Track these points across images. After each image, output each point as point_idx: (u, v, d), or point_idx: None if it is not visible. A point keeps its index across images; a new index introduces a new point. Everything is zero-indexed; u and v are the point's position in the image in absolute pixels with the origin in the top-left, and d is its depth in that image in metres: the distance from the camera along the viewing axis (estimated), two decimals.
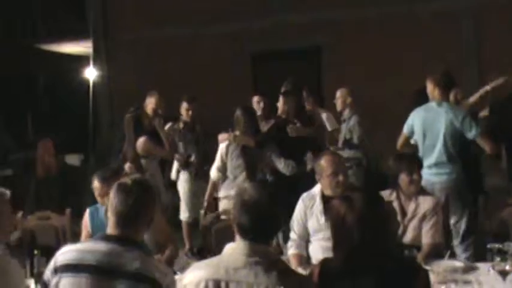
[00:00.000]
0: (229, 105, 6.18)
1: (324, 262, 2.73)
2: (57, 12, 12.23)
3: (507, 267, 3.24)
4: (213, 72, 9.76)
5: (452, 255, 4.15)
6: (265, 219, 2.56)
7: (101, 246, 2.77)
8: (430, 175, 5.25)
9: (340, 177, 4.03)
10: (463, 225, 5.24)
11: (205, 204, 5.89)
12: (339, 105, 7.16)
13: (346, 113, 7.07)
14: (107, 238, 2.81)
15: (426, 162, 5.25)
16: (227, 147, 5.81)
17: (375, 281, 2.52)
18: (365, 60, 9.38)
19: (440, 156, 5.31)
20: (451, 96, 6.18)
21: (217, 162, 5.86)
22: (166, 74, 9.83)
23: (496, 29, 9.13)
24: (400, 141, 5.57)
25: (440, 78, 5.49)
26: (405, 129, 5.54)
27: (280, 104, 6.37)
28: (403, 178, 4.15)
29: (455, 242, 5.20)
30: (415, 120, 5.46)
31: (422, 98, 5.95)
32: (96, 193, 4.47)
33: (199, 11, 9.94)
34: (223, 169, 5.81)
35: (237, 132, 5.84)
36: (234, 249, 2.58)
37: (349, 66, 9.29)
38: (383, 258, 2.57)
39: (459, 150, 5.33)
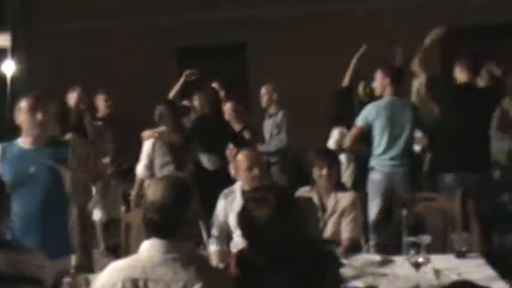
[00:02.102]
0: (154, 101, 6.12)
1: (239, 254, 2.73)
2: None
3: (420, 260, 3.35)
4: (137, 66, 9.61)
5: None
6: (173, 217, 2.53)
7: None
8: (391, 167, 5.47)
9: (256, 171, 4.06)
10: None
11: (131, 201, 5.82)
12: (264, 101, 7.20)
13: (272, 108, 7.12)
14: None
15: (390, 154, 5.46)
16: (153, 144, 5.74)
17: (290, 273, 2.54)
18: (290, 57, 9.45)
19: (404, 148, 5.48)
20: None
21: (144, 160, 5.78)
22: (88, 68, 9.61)
23: (430, 28, 9.34)
24: (354, 134, 5.58)
25: (394, 72, 5.62)
26: (361, 122, 5.53)
27: (197, 99, 6.40)
28: (315, 172, 4.23)
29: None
30: (378, 114, 5.50)
31: (344, 96, 6.09)
32: None
33: (123, 4, 9.77)
34: (150, 166, 5.74)
35: (162, 128, 5.79)
36: (151, 247, 2.54)
37: (275, 63, 9.34)
38: (295, 254, 2.59)
39: None
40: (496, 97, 5.74)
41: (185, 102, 6.98)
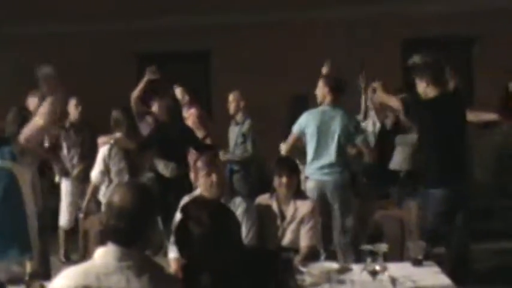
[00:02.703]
0: (113, 107, 6.07)
1: (184, 265, 2.73)
2: None
3: (377, 268, 3.39)
4: (98, 72, 9.52)
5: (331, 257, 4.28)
6: (135, 223, 2.51)
7: None
8: (322, 175, 5.56)
9: (214, 178, 4.04)
10: (350, 223, 5.50)
11: (84, 207, 5.78)
12: (232, 108, 7.15)
13: (239, 116, 7.11)
14: None
15: (319, 163, 5.55)
16: (109, 150, 5.71)
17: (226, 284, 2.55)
18: (253, 65, 9.48)
19: (334, 157, 5.54)
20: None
21: (99, 166, 5.74)
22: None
23: (378, 39, 9.52)
24: (290, 142, 5.68)
25: (334, 81, 5.69)
26: (295, 131, 5.68)
27: (156, 106, 6.39)
28: (275, 180, 4.26)
29: (342, 239, 5.47)
30: (309, 122, 5.60)
31: (300, 104, 6.15)
32: None
33: (85, 8, 9.67)
34: (106, 172, 5.71)
35: (118, 135, 5.76)
36: (105, 254, 2.51)
37: (238, 70, 9.36)
38: (230, 264, 2.59)
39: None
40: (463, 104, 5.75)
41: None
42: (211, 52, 9.94)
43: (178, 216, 4.22)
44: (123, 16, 9.60)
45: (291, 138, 5.72)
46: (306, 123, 5.63)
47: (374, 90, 6.03)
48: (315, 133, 5.57)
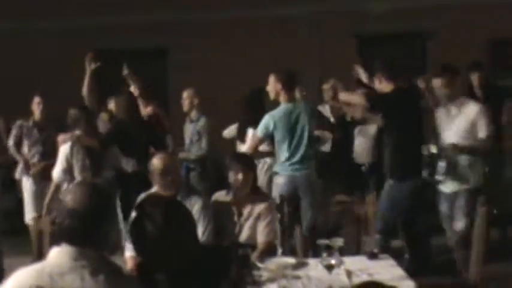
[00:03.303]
0: (72, 105, 5.99)
1: (140, 263, 2.72)
2: None
3: (333, 262, 3.41)
4: (56, 69, 9.38)
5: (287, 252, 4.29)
6: (88, 222, 2.48)
7: None
8: (294, 171, 5.52)
9: (170, 177, 4.04)
10: (319, 216, 5.51)
11: (45, 207, 5.69)
12: (186, 106, 7.13)
13: (194, 114, 7.08)
14: None
15: (291, 161, 5.52)
16: (71, 148, 5.63)
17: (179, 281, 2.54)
18: (211, 62, 9.46)
19: (305, 153, 5.53)
20: (297, 94, 6.48)
21: (61, 164, 5.66)
22: (6, 70, 9.32)
23: (335, 35, 9.60)
24: (254, 145, 5.61)
25: (286, 76, 5.65)
26: (261, 133, 5.55)
27: (113, 103, 6.32)
28: (230, 176, 4.26)
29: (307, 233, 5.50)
30: (278, 125, 5.52)
31: (253, 101, 6.14)
32: None
33: (46, 5, 9.52)
34: (69, 171, 5.62)
35: (78, 133, 5.69)
36: (59, 254, 2.47)
37: (195, 68, 9.33)
38: (185, 261, 2.59)
39: None
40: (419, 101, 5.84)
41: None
42: (168, 49, 9.87)
43: (133, 213, 4.22)
44: (81, 13, 9.48)
45: (256, 141, 5.62)
46: (274, 126, 5.52)
47: (334, 89, 6.14)
48: (286, 135, 5.52)
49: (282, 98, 5.60)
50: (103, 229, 2.54)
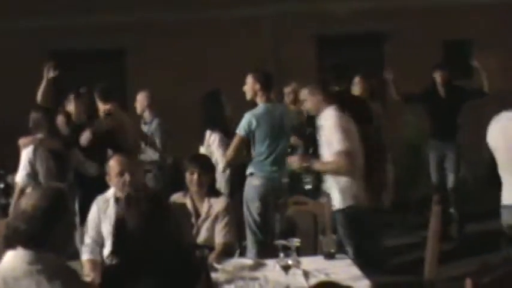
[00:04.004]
0: (28, 106, 5.89)
1: (106, 268, 2.70)
2: None
3: (290, 262, 3.44)
4: (11, 69, 9.22)
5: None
6: (42, 226, 2.46)
7: None
8: (272, 172, 5.52)
9: (127, 177, 4.02)
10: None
11: (11, 210, 5.58)
12: (138, 108, 7.11)
13: (147, 116, 7.05)
14: None
15: (270, 160, 5.52)
16: (34, 151, 5.52)
17: (156, 282, 2.53)
18: (170, 63, 9.42)
19: (283, 154, 5.54)
20: (291, 96, 6.50)
21: (25, 169, 5.52)
22: None
23: (294, 36, 9.66)
24: (236, 146, 5.53)
25: (265, 77, 5.63)
26: (243, 133, 5.49)
27: (72, 106, 6.24)
28: (187, 177, 4.25)
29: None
30: (259, 123, 5.49)
31: (212, 101, 6.13)
32: None
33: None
34: (33, 175, 5.52)
35: (40, 135, 5.59)
36: (14, 258, 2.45)
37: (154, 69, 9.27)
38: (164, 260, 2.58)
39: None
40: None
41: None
42: (126, 50, 9.79)
43: (92, 215, 4.19)
44: (38, 13, 9.34)
45: (238, 142, 5.52)
46: (256, 124, 5.48)
47: (295, 93, 6.18)
48: (268, 133, 5.50)
49: (260, 98, 5.58)
50: (58, 232, 2.52)
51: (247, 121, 5.50)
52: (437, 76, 7.19)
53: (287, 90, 7.30)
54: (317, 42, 9.91)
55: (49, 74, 6.26)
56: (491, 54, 9.34)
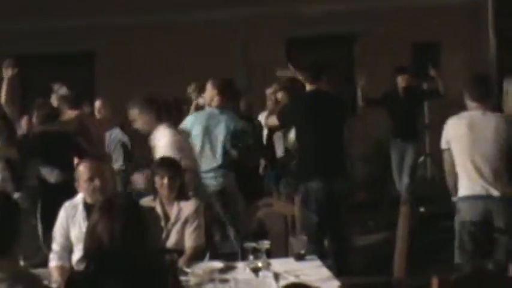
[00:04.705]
0: None
1: (71, 274, 2.67)
2: None
3: (259, 264, 3.44)
4: None
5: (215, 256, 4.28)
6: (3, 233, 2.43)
7: None
8: (207, 179, 5.48)
9: (97, 182, 3.98)
10: (237, 222, 5.56)
11: None
12: (97, 115, 7.13)
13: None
14: None
15: (204, 166, 5.49)
16: None
17: (122, 286, 2.51)
18: (139, 67, 9.37)
19: (219, 161, 5.52)
20: (242, 103, 6.51)
21: None
22: None
23: (265, 38, 9.68)
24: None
25: (222, 83, 5.66)
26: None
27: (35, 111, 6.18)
28: (157, 181, 4.23)
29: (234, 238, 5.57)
30: (195, 124, 5.55)
31: (184, 105, 6.13)
32: None
33: None
34: None
35: None
36: None
37: (122, 73, 9.23)
38: (133, 264, 2.56)
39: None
40: (341, 103, 5.91)
41: None
42: (95, 54, 9.72)
43: (60, 221, 4.13)
44: (4, 16, 9.22)
45: None
46: (192, 124, 5.57)
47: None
48: (199, 135, 5.53)
49: (214, 102, 5.62)
50: (14, 239, 2.49)
51: (186, 121, 5.64)
52: (400, 79, 7.33)
53: (269, 91, 7.29)
54: (287, 44, 9.94)
55: (8, 72, 6.12)
56: (458, 55, 9.50)
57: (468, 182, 4.43)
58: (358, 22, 9.74)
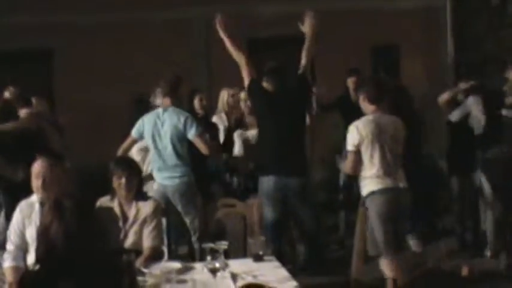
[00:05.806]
0: None
1: (25, 274, 2.64)
2: None
3: (217, 265, 3.44)
4: None
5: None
6: None
7: None
8: (162, 179, 5.50)
9: (41, 180, 3.91)
10: (196, 223, 5.51)
11: None
12: None
13: None
14: None
15: (158, 167, 5.50)
16: None
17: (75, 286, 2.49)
18: (96, 65, 9.27)
19: (171, 160, 5.48)
20: (196, 102, 6.48)
21: None
22: None
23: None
24: (126, 144, 5.60)
25: (167, 83, 5.64)
26: (134, 134, 5.60)
27: None
28: (114, 181, 4.19)
29: (193, 238, 5.55)
30: (145, 125, 5.56)
31: (142, 106, 6.10)
32: None
33: None
34: None
35: None
36: None
37: (81, 71, 9.11)
38: (86, 265, 2.55)
39: (188, 152, 5.56)
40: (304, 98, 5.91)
41: None
42: (53, 51, 9.57)
43: (16, 220, 4.06)
44: None
45: (128, 141, 5.63)
46: (143, 126, 5.56)
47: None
48: (150, 136, 5.52)
49: (165, 102, 5.63)
50: None
51: (138, 123, 5.62)
52: (349, 81, 7.39)
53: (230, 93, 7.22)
54: (247, 44, 9.94)
55: None
56: (416, 59, 9.64)
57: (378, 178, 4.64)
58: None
